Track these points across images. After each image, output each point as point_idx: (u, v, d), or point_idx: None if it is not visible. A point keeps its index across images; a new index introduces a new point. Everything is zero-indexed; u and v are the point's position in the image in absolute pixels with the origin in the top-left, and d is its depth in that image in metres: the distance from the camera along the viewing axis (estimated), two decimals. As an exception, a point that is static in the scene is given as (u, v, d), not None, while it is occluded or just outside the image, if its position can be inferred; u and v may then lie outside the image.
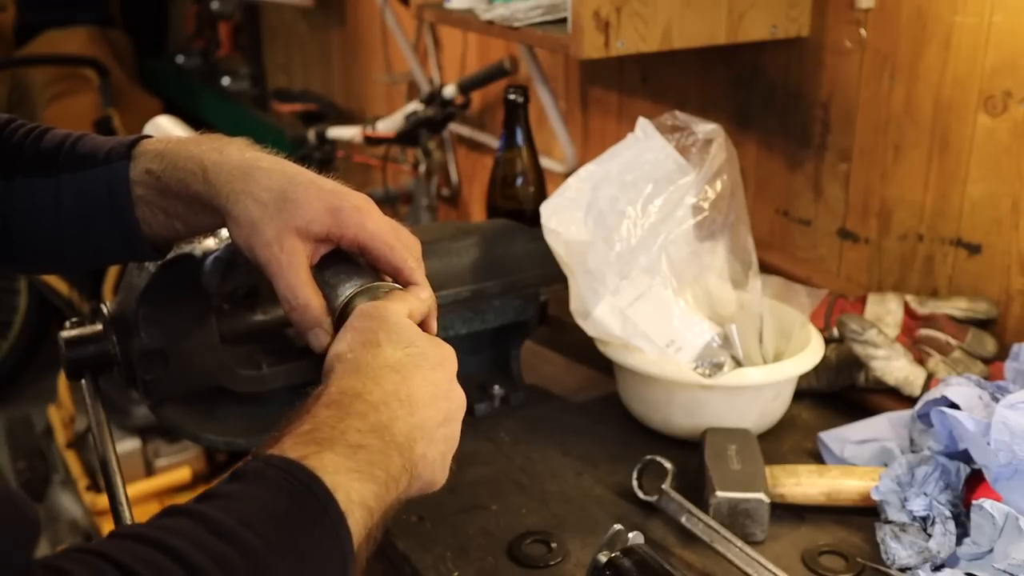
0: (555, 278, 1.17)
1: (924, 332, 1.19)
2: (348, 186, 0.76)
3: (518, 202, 1.44)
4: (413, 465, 0.66)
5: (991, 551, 0.83)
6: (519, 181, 1.44)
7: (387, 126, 2.28)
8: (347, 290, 0.73)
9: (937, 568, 0.86)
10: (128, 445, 2.57)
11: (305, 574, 0.56)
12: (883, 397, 1.14)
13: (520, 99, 1.41)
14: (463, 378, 1.20)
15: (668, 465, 0.99)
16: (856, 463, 1.03)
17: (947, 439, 0.93)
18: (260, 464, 0.58)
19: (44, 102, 3.57)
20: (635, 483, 1.00)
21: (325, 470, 0.58)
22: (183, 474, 2.57)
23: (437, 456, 0.68)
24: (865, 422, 1.08)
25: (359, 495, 0.60)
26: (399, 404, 0.66)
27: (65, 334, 0.95)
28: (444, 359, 0.72)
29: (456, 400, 0.71)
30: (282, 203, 0.72)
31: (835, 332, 1.18)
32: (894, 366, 1.13)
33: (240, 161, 0.74)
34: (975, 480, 0.91)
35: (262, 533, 0.54)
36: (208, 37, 3.76)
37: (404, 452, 0.65)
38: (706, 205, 1.15)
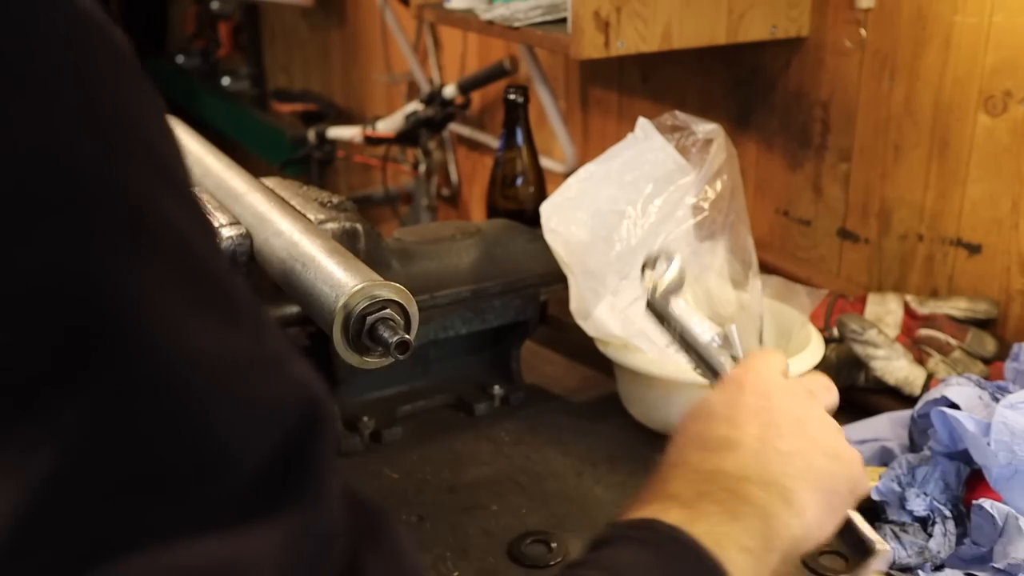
0: (555, 278, 1.17)
1: (924, 332, 1.19)
2: None
3: (518, 202, 1.44)
4: (784, 494, 0.60)
5: (991, 551, 0.83)
6: (519, 181, 1.44)
7: (387, 126, 2.28)
8: None
9: (937, 568, 0.86)
10: (128, 445, 2.57)
11: None
12: (883, 397, 1.14)
13: (520, 99, 1.41)
14: (463, 378, 1.21)
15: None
16: (856, 463, 1.03)
17: (947, 439, 0.93)
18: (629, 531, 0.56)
19: (44, 102, 3.56)
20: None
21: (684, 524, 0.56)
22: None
23: (817, 501, 0.62)
24: (865, 422, 1.08)
25: (728, 538, 0.56)
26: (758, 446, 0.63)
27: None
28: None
29: (847, 461, 0.66)
30: None
31: (835, 332, 1.18)
32: (894, 366, 1.13)
33: None
34: (975, 480, 0.91)
35: None
36: (208, 37, 3.76)
37: (763, 486, 0.60)
38: (706, 205, 1.15)
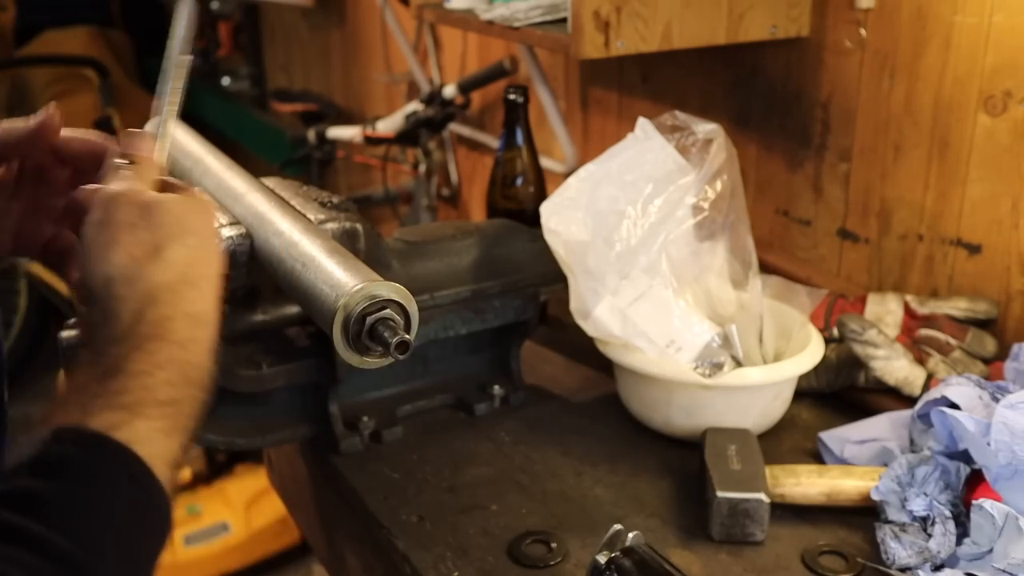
0: (555, 278, 1.17)
1: (924, 332, 1.19)
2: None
3: (518, 202, 1.44)
4: (209, 371, 0.63)
5: (991, 551, 0.83)
6: (519, 181, 1.44)
7: (387, 126, 2.28)
8: None
9: (937, 568, 0.86)
10: (128, 445, 2.57)
11: (133, 568, 0.54)
12: (883, 397, 1.14)
13: (520, 99, 1.41)
14: (463, 378, 1.21)
15: None
16: (856, 463, 1.03)
17: (947, 439, 0.93)
18: (72, 449, 0.54)
19: (44, 102, 3.54)
20: None
21: (140, 442, 0.56)
22: (183, 474, 2.57)
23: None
24: (865, 422, 1.08)
25: (170, 454, 0.57)
26: (200, 327, 0.63)
27: (65, 334, 0.95)
28: (202, 217, 0.69)
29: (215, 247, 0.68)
30: None
31: (835, 332, 1.18)
32: (894, 366, 1.13)
33: None
34: (975, 480, 0.91)
35: (93, 546, 0.52)
36: (208, 37, 3.75)
37: (205, 379, 0.62)
38: (706, 205, 1.15)
